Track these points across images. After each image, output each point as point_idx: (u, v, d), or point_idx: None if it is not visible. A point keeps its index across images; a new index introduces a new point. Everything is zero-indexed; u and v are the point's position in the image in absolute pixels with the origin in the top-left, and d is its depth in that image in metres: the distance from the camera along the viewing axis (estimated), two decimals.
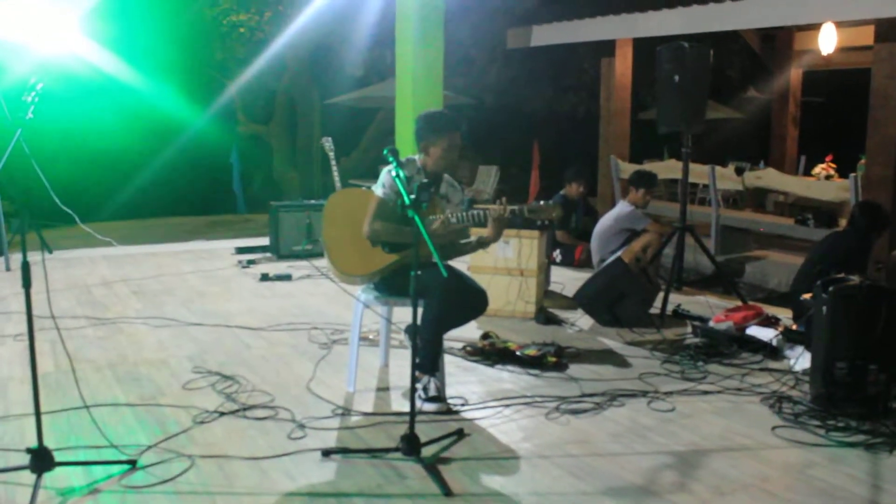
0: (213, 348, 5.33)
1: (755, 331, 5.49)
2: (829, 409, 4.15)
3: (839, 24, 10.66)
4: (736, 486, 3.41)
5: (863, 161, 9.26)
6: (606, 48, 11.34)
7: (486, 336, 5.39)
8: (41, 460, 3.21)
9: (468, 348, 5.22)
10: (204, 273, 7.89)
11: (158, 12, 13.75)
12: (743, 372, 4.93)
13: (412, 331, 3.66)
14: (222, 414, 4.11)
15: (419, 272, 3.48)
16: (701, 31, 9.36)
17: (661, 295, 6.40)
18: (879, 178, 8.29)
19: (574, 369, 4.96)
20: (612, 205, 9.08)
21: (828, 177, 10.35)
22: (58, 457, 3.28)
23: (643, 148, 13.32)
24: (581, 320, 6.15)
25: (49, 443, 3.28)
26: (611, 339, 5.69)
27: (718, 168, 9.75)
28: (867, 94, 8.45)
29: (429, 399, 4.19)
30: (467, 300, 4.31)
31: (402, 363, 4.96)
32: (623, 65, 11.36)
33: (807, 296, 5.16)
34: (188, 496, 3.25)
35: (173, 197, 15.56)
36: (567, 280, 7.39)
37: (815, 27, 11.16)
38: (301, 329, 5.80)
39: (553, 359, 4.98)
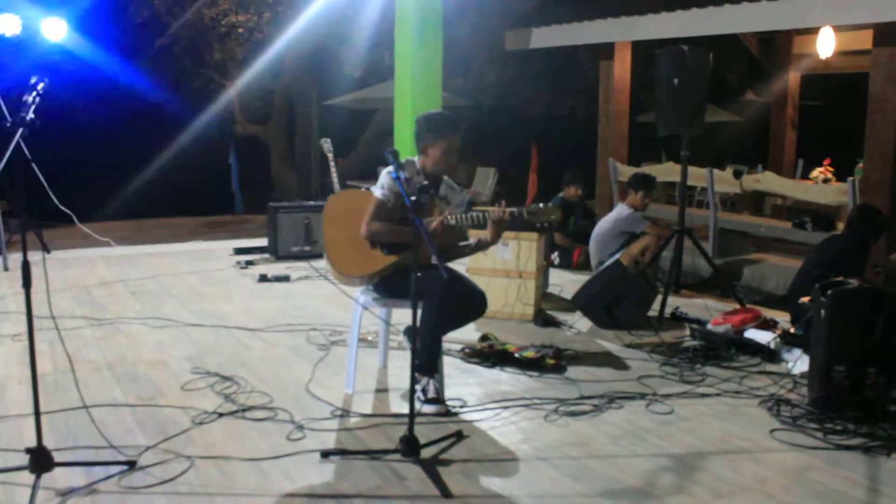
0: (211, 349, 5.33)
1: (753, 334, 5.50)
2: (828, 413, 4.16)
3: (837, 28, 10.69)
4: (734, 489, 3.42)
5: (861, 165, 9.28)
6: (605, 51, 11.35)
7: (484, 338, 5.40)
8: (40, 460, 3.21)
9: (467, 350, 5.22)
10: (202, 274, 7.89)
11: (157, 12, 13.76)
12: (741, 375, 4.94)
13: (411, 332, 3.67)
14: (221, 415, 4.11)
15: (419, 274, 3.48)
16: (700, 35, 9.37)
17: (659, 298, 6.40)
18: (877, 182, 8.31)
19: (572, 371, 4.96)
20: (611, 207, 9.10)
21: (826, 180, 10.37)
22: (57, 457, 3.28)
23: (641, 151, 13.33)
24: (579, 322, 6.16)
25: (48, 443, 3.28)
26: (609, 342, 5.70)
27: (717, 171, 9.76)
28: (865, 97, 8.47)
29: (428, 401, 4.19)
30: (466, 302, 4.31)
31: (400, 365, 4.97)
32: (622, 67, 11.37)
33: (805, 299, 5.17)
34: (187, 497, 3.25)
35: (172, 197, 15.54)
36: (565, 282, 7.40)
37: (813, 31, 11.19)
38: (300, 330, 5.80)
39: (551, 361, 4.98)
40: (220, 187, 17.74)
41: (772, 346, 5.30)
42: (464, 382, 4.73)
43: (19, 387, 4.50)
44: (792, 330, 5.55)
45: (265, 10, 14.11)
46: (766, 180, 9.79)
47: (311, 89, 16.66)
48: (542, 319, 6.15)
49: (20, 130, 3.28)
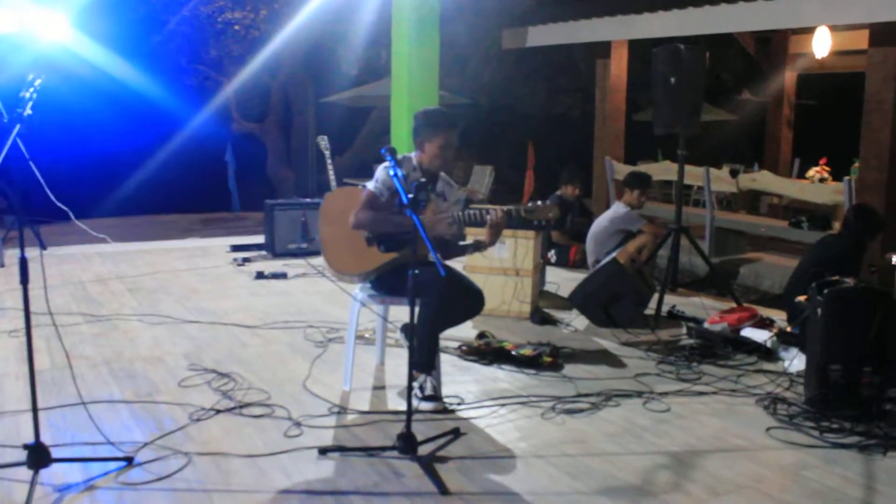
0: (208, 346, 5.33)
1: (750, 332, 5.52)
2: (824, 411, 4.17)
3: (834, 28, 10.70)
4: (730, 487, 3.42)
5: (857, 164, 9.29)
6: (602, 49, 11.36)
7: (481, 336, 5.40)
8: (38, 457, 3.21)
9: (464, 348, 5.23)
10: (199, 271, 7.89)
11: (154, 9, 13.74)
12: (737, 373, 4.95)
13: (408, 330, 3.67)
14: (218, 411, 4.11)
15: (416, 271, 3.49)
16: (696, 34, 9.38)
17: (655, 296, 6.41)
18: (873, 182, 8.32)
19: (569, 369, 4.97)
20: (607, 206, 9.11)
21: (822, 180, 10.38)
22: (54, 453, 3.28)
23: (638, 149, 13.34)
24: (576, 320, 6.17)
25: (46, 439, 3.29)
26: (606, 340, 5.71)
27: (713, 170, 9.77)
28: (861, 97, 8.48)
29: (425, 398, 4.19)
30: (464, 300, 4.32)
31: (398, 362, 4.97)
32: (618, 66, 11.37)
33: (801, 298, 5.19)
34: (185, 493, 3.25)
35: (168, 194, 15.53)
36: (562, 280, 7.41)
37: (809, 30, 11.20)
38: (297, 327, 5.80)
39: (548, 359, 4.99)
40: (217, 184, 17.71)
41: (768, 344, 5.32)
42: (461, 380, 4.74)
43: (17, 383, 4.50)
44: (788, 329, 5.57)
45: (262, 7, 14.11)
46: (762, 179, 9.80)
47: (307, 87, 16.66)
48: (539, 317, 6.16)
49: (17, 127, 3.28)
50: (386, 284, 4.41)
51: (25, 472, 3.20)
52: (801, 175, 11.79)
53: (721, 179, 9.94)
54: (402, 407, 3.63)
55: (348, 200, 4.41)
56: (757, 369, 5.04)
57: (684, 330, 5.92)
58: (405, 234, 4.23)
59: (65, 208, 9.42)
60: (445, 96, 11.87)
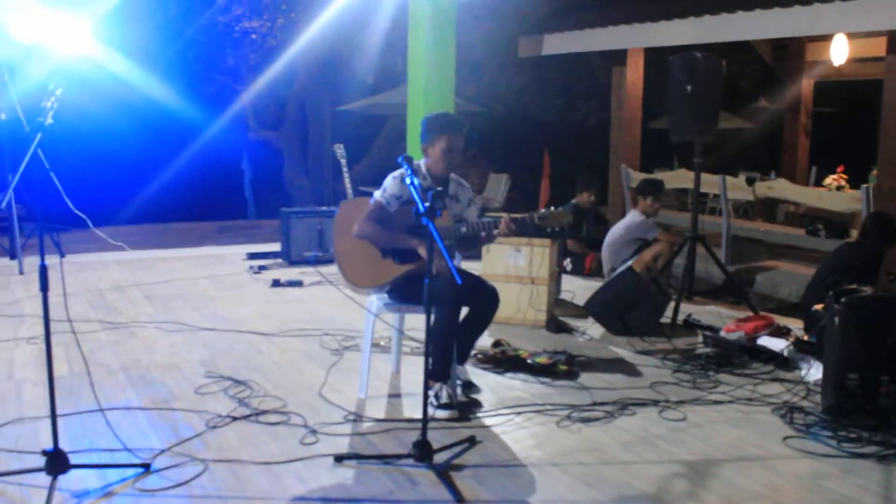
0: (225, 353, 5.35)
1: (766, 341, 5.49)
2: (841, 420, 4.15)
3: (851, 36, 10.64)
4: (747, 496, 3.41)
5: (874, 172, 9.24)
6: (618, 57, 11.35)
7: (497, 344, 5.40)
8: (56, 463, 3.24)
9: (479, 356, 5.22)
10: (215, 278, 7.93)
11: (172, 18, 13.84)
12: (754, 382, 4.93)
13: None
14: (235, 419, 4.13)
15: (429, 279, 3.50)
16: (712, 42, 9.36)
17: (671, 304, 6.40)
18: (891, 189, 8.28)
19: (585, 378, 4.96)
20: (623, 214, 9.09)
21: (839, 187, 10.33)
22: (72, 459, 3.31)
23: (654, 157, 13.33)
24: (592, 329, 6.16)
25: (64, 445, 3.31)
26: (621, 348, 5.70)
27: (729, 178, 9.73)
28: (879, 105, 8.44)
29: (440, 406, 4.20)
30: (479, 304, 4.34)
31: (413, 370, 4.98)
32: (634, 74, 11.36)
33: (818, 306, 5.16)
34: (201, 500, 3.27)
35: (185, 202, 15.62)
36: (577, 289, 7.40)
37: (826, 38, 11.14)
38: (312, 335, 5.82)
39: (564, 367, 4.98)
40: (233, 192, 17.81)
41: (785, 353, 5.29)
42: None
43: (35, 389, 4.54)
44: (805, 337, 5.54)
45: (279, 16, 14.19)
46: (779, 187, 9.76)
47: (323, 95, 16.71)
48: (555, 325, 6.15)
49: (38, 136, 3.31)
50: (401, 293, 4.42)
51: (44, 478, 3.22)
52: (819, 183, 11.72)
53: (737, 187, 9.90)
54: (418, 415, 3.63)
55: (361, 212, 4.41)
56: (773, 378, 5.02)
57: (700, 338, 5.90)
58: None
59: (83, 216, 9.50)
60: (461, 104, 11.88)
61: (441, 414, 4.17)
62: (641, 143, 11.64)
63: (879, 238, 5.89)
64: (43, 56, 8.49)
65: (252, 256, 9.01)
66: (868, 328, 4.23)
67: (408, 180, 3.65)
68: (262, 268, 8.37)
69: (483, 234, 4.35)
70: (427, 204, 3.47)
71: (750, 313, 6.45)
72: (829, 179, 10.74)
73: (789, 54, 12.94)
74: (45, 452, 3.26)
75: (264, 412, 4.23)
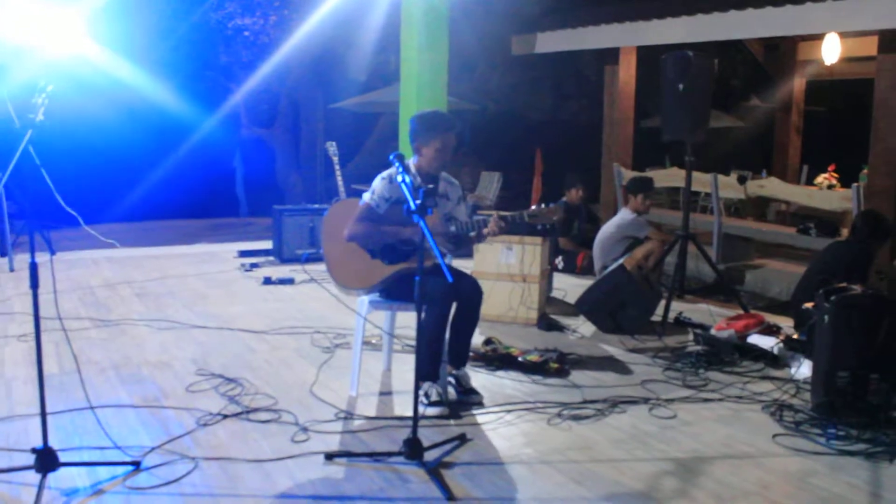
0: (215, 351, 5.35)
1: (756, 339, 5.51)
2: (831, 418, 4.17)
3: (842, 35, 10.69)
4: (737, 494, 3.42)
5: (865, 171, 9.28)
6: (610, 56, 11.37)
7: (488, 341, 5.41)
8: (46, 460, 3.23)
9: (471, 353, 5.22)
10: (206, 276, 7.92)
11: (164, 15, 13.80)
12: (744, 380, 4.95)
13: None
14: (225, 416, 4.12)
15: (419, 277, 3.50)
16: (704, 40, 9.38)
17: (662, 302, 6.41)
18: (881, 188, 8.31)
19: (576, 376, 4.97)
20: (615, 212, 9.10)
21: (830, 186, 10.37)
22: (62, 457, 3.31)
23: (646, 156, 13.35)
24: (583, 327, 6.17)
25: (54, 443, 3.30)
26: (612, 346, 5.71)
27: (721, 176, 9.77)
28: (870, 104, 8.47)
29: (431, 403, 4.20)
30: (465, 302, 4.33)
31: (404, 368, 4.99)
32: (626, 72, 11.38)
33: (808, 305, 5.18)
34: (192, 498, 3.26)
35: (176, 200, 15.56)
36: (569, 287, 7.41)
37: (818, 37, 11.19)
38: (304, 333, 5.82)
39: (555, 365, 4.99)
40: (225, 190, 17.77)
41: (775, 351, 5.31)
42: None
43: (25, 387, 4.52)
44: (795, 335, 5.56)
45: (271, 14, 14.16)
46: (770, 186, 9.79)
47: (316, 93, 16.70)
48: (546, 323, 6.16)
49: (28, 132, 3.30)
50: (391, 292, 4.42)
51: (34, 476, 3.22)
52: (810, 182, 11.76)
53: (729, 186, 9.93)
54: (409, 412, 3.64)
55: (351, 214, 4.39)
56: (763, 376, 5.03)
57: (691, 336, 5.92)
58: (405, 245, 4.26)
59: (74, 213, 9.47)
60: (454, 102, 11.88)
61: (431, 411, 4.18)
62: (634, 142, 11.66)
63: (869, 236, 5.92)
64: (34, 53, 8.46)
65: (244, 254, 9.00)
66: (858, 326, 4.24)
67: (399, 178, 3.64)
68: (253, 265, 8.36)
69: (473, 233, 4.35)
70: (418, 202, 3.47)
71: (740, 311, 6.46)
72: (820, 178, 10.78)
73: (781, 53, 12.99)
74: (34, 450, 3.25)
75: (255, 410, 4.23)
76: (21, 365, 4.94)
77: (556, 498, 3.36)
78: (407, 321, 5.38)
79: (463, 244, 4.57)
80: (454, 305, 4.34)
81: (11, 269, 7.81)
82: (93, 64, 11.72)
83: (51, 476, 3.25)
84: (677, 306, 6.64)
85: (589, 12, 10.94)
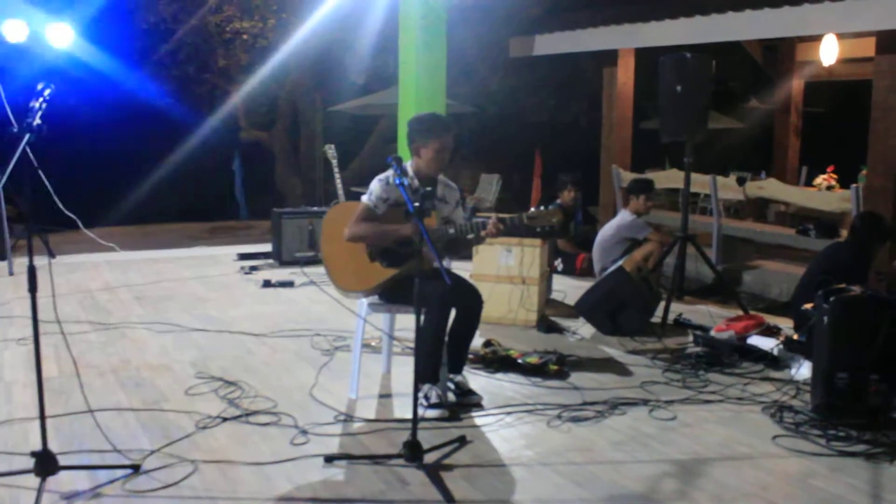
0: (215, 354, 5.34)
1: (756, 340, 5.51)
2: (830, 419, 4.16)
3: (841, 36, 10.68)
4: (736, 495, 3.42)
5: (864, 172, 9.27)
6: (609, 58, 11.36)
7: (487, 344, 5.41)
8: (45, 464, 3.23)
9: (470, 356, 5.22)
10: (206, 279, 7.92)
11: (162, 18, 13.80)
12: (744, 381, 4.95)
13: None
14: (225, 419, 4.12)
15: (418, 280, 3.49)
16: (703, 42, 9.38)
17: (662, 304, 6.41)
18: (880, 189, 8.30)
19: (575, 377, 4.97)
20: (614, 214, 9.10)
21: (829, 187, 10.36)
22: (62, 461, 3.30)
23: (645, 157, 13.34)
24: (582, 329, 6.17)
25: (53, 447, 3.30)
26: (612, 348, 5.71)
27: (720, 178, 9.76)
28: (868, 105, 8.47)
29: (430, 406, 4.20)
30: (465, 305, 4.33)
31: (404, 370, 4.99)
32: (625, 74, 11.38)
33: (808, 306, 5.18)
34: (191, 501, 3.26)
35: (176, 203, 15.60)
36: (568, 289, 7.41)
37: (816, 38, 11.18)
38: (303, 335, 5.82)
39: (555, 367, 4.99)
40: (225, 193, 17.77)
41: (775, 352, 5.31)
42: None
43: (24, 391, 4.52)
44: (795, 337, 5.55)
45: (270, 17, 14.14)
46: (769, 187, 9.79)
47: (315, 95, 16.70)
48: (546, 325, 6.16)
49: (27, 136, 3.30)
50: (390, 295, 4.42)
51: (33, 480, 3.21)
52: (809, 183, 11.75)
53: (728, 187, 9.93)
54: (408, 415, 3.63)
55: (350, 216, 4.40)
56: (763, 377, 5.04)
57: (691, 338, 5.92)
58: (404, 247, 4.26)
59: (73, 217, 9.47)
60: (452, 105, 11.88)
61: (431, 414, 4.17)
62: (633, 144, 11.65)
63: (869, 237, 5.91)
64: (32, 56, 8.46)
65: (243, 257, 9.00)
66: (857, 327, 4.24)
67: (396, 180, 3.64)
68: (253, 268, 8.36)
69: (471, 235, 4.35)
70: (417, 204, 3.47)
71: (740, 313, 6.46)
72: (820, 179, 10.77)
73: (780, 55, 12.98)
74: (34, 454, 3.24)
75: (255, 413, 4.23)
76: (20, 368, 4.94)
77: (555, 500, 3.35)
78: (406, 324, 5.37)
79: (460, 249, 4.57)
80: (454, 312, 4.34)
81: (11, 273, 7.81)
82: (92, 67, 11.74)
83: (50, 479, 3.24)
84: (677, 308, 6.64)
85: (587, 14, 10.93)
